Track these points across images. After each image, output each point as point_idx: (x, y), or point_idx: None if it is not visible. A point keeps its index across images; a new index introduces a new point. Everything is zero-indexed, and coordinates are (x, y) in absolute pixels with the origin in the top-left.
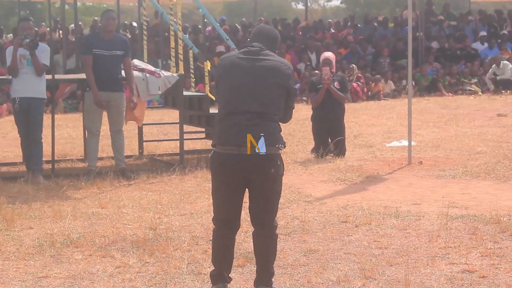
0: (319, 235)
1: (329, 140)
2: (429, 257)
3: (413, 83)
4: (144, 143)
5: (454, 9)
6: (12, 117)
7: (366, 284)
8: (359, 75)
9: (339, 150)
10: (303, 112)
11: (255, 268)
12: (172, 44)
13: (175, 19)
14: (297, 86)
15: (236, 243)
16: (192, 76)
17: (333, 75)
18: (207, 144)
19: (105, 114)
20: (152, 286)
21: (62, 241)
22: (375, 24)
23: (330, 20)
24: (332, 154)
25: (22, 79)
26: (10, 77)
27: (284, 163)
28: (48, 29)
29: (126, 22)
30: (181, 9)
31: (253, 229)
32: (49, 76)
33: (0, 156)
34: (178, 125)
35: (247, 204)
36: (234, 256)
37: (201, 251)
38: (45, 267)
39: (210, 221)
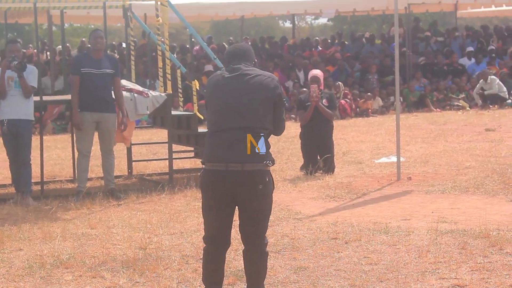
0: (309, 252)
1: (318, 157)
2: (419, 272)
3: (401, 99)
4: (133, 163)
5: (441, 25)
6: (0, 139)
7: None
8: (346, 92)
9: (328, 167)
10: (291, 129)
11: (246, 287)
12: (160, 64)
13: (162, 39)
14: (285, 101)
15: (226, 261)
16: (181, 95)
17: (321, 92)
18: (196, 163)
19: (96, 134)
20: None
21: (52, 262)
22: (363, 41)
23: (317, 38)
24: (321, 171)
25: (10, 101)
26: None
27: (274, 180)
28: (35, 50)
29: (114, 42)
30: (168, 29)
31: (243, 247)
32: (37, 98)
33: None
34: (167, 144)
35: (237, 222)
36: (225, 274)
37: (191, 270)
38: None
39: (200, 240)
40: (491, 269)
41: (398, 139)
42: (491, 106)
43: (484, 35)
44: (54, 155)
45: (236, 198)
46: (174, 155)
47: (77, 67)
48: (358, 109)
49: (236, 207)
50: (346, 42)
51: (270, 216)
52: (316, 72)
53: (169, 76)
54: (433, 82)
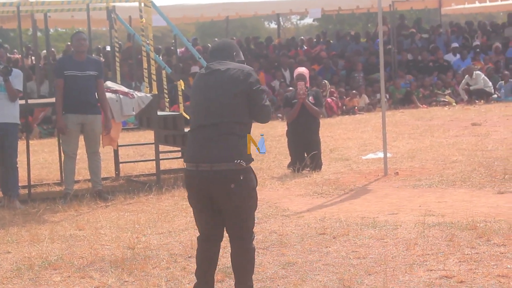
0: (297, 247)
1: (305, 155)
2: (407, 265)
3: (387, 96)
4: (121, 165)
5: (426, 22)
6: None
7: None
8: (332, 90)
9: (315, 164)
10: (278, 128)
11: (234, 283)
12: (145, 65)
13: (147, 41)
14: (266, 100)
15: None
16: (166, 96)
17: (307, 89)
18: (183, 163)
19: (81, 136)
20: None
21: (40, 264)
22: (348, 39)
23: (302, 37)
24: (308, 169)
25: None
26: None
27: (257, 178)
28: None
29: (99, 46)
30: (154, 32)
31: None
32: (23, 101)
33: None
34: (153, 145)
35: None
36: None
37: (179, 268)
38: None
39: (189, 239)
40: (478, 260)
41: (384, 134)
42: (477, 101)
43: (469, 31)
44: (41, 159)
45: (212, 198)
46: (161, 156)
47: (61, 70)
48: (344, 107)
49: None
50: (331, 41)
51: (258, 213)
52: (302, 69)
53: (154, 77)
54: (419, 78)
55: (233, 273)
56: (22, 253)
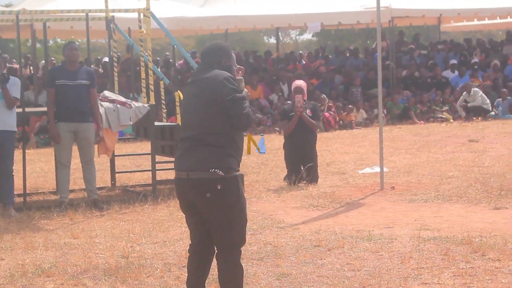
0: (291, 259)
1: (302, 168)
2: (402, 278)
3: (385, 112)
4: (117, 175)
5: (425, 39)
6: None
7: None
8: (330, 104)
9: (312, 177)
10: (276, 142)
11: None
12: (143, 75)
13: (145, 52)
14: (245, 108)
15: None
16: (164, 107)
17: (305, 102)
18: None
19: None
20: None
21: (34, 271)
22: (347, 54)
23: (301, 52)
24: (304, 181)
25: None
26: None
27: (254, 190)
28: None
29: (98, 57)
30: (153, 45)
31: None
32: (20, 109)
33: None
34: (150, 156)
35: None
36: (207, 281)
37: (173, 277)
38: None
39: (183, 249)
40: (473, 274)
41: (381, 149)
42: (474, 118)
43: (467, 48)
44: (37, 168)
45: (196, 206)
46: (158, 166)
47: (52, 79)
48: (341, 122)
49: None
50: (330, 56)
51: (253, 225)
52: (300, 82)
53: (152, 87)
54: (417, 94)
55: None
56: (15, 260)
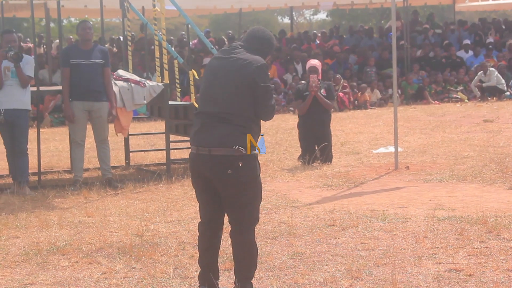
0: (306, 238)
1: (316, 147)
2: (416, 257)
3: (399, 92)
4: (131, 154)
5: (440, 19)
6: None
7: (353, 284)
8: (345, 84)
9: (326, 156)
10: (290, 121)
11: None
12: (157, 54)
13: (160, 31)
14: (271, 100)
15: (223, 247)
16: (178, 87)
17: (320, 82)
18: None
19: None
20: None
21: (48, 249)
22: (361, 34)
23: (315, 31)
24: (319, 161)
25: (7, 91)
26: None
27: (268, 170)
28: (32, 45)
29: (113, 36)
30: (167, 25)
31: None
32: (34, 88)
33: None
34: (164, 136)
35: None
36: (222, 259)
37: (187, 256)
38: (31, 275)
39: (197, 227)
40: (488, 254)
41: (396, 128)
42: (489, 98)
43: (482, 28)
44: (52, 147)
45: (212, 182)
46: (172, 145)
47: (66, 58)
48: (356, 102)
49: None
50: (344, 36)
51: (267, 204)
52: (314, 62)
53: (166, 67)
54: (431, 74)
55: None
56: (30, 238)
